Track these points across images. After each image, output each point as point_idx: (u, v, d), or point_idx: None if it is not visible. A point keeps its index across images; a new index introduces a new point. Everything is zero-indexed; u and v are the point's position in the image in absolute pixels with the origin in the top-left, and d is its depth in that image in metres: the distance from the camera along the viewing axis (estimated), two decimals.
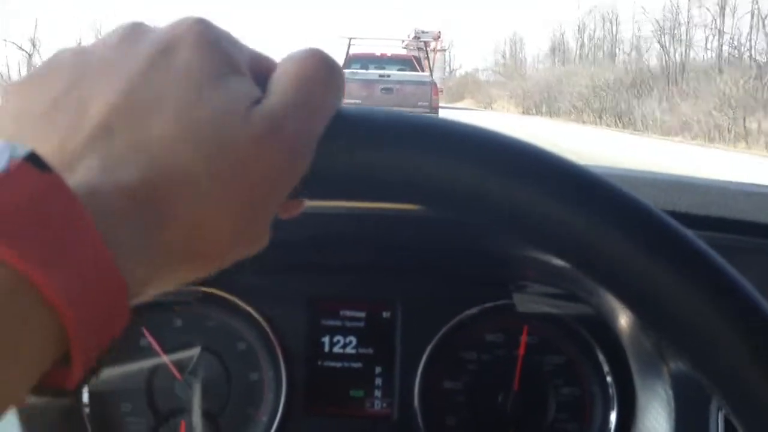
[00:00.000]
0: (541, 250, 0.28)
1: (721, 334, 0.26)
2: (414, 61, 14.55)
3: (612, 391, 0.71)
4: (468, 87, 39.92)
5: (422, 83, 11.73)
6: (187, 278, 0.25)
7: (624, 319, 0.67)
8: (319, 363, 0.72)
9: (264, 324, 0.70)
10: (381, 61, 14.06)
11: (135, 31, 0.26)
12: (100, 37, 0.26)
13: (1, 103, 0.25)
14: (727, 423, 0.60)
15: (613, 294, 0.28)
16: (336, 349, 0.72)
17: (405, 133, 0.26)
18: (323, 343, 0.72)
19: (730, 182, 0.72)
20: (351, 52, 13.81)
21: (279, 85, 0.26)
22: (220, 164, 0.23)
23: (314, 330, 0.72)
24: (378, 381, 0.72)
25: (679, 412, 0.62)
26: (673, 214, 0.27)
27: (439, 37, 17.87)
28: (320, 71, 0.26)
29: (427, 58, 14.54)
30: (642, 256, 0.26)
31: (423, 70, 13.75)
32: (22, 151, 0.20)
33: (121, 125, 0.23)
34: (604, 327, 0.70)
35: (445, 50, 22.75)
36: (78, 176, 0.21)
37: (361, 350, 0.72)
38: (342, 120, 0.26)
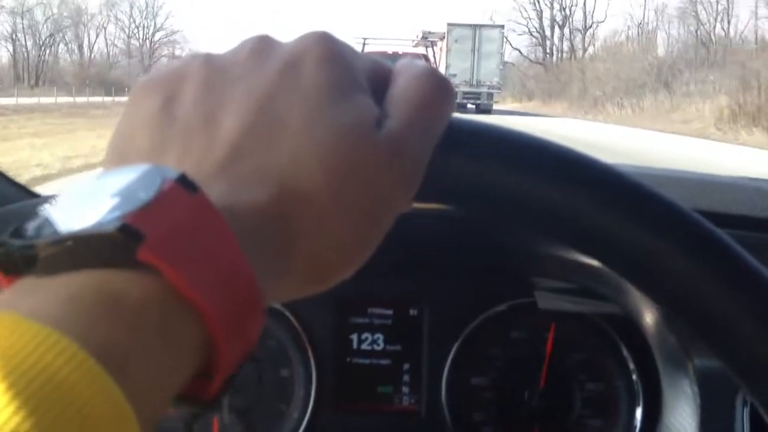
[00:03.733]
0: (584, 253, 0.29)
1: (753, 327, 0.27)
2: (423, 58, 17.59)
3: (637, 387, 0.71)
4: None
5: None
6: (310, 290, 0.26)
7: (649, 316, 0.68)
8: (348, 360, 0.73)
9: (294, 322, 0.72)
10: (393, 58, 15.07)
11: (262, 46, 0.26)
12: (229, 49, 0.27)
13: (130, 97, 0.26)
14: (753, 419, 0.60)
15: (651, 296, 0.29)
16: (364, 347, 0.73)
17: (513, 152, 0.28)
18: (352, 341, 0.73)
19: (752, 179, 0.72)
20: (366, 51, 16.54)
21: (399, 105, 0.26)
22: (344, 184, 0.24)
23: (343, 328, 0.73)
24: (405, 377, 0.73)
25: (705, 408, 0.62)
26: (702, 213, 0.28)
27: (444, 37, 21.33)
28: (437, 93, 0.27)
29: (434, 55, 16.65)
30: (681, 258, 0.27)
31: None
32: (171, 173, 0.21)
33: (250, 147, 0.23)
34: (628, 324, 0.71)
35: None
36: (214, 196, 0.22)
37: (389, 347, 0.73)
38: (454, 131, 0.27)
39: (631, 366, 0.72)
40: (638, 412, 0.71)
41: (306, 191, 0.23)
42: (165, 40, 54.16)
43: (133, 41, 54.30)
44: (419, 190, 0.27)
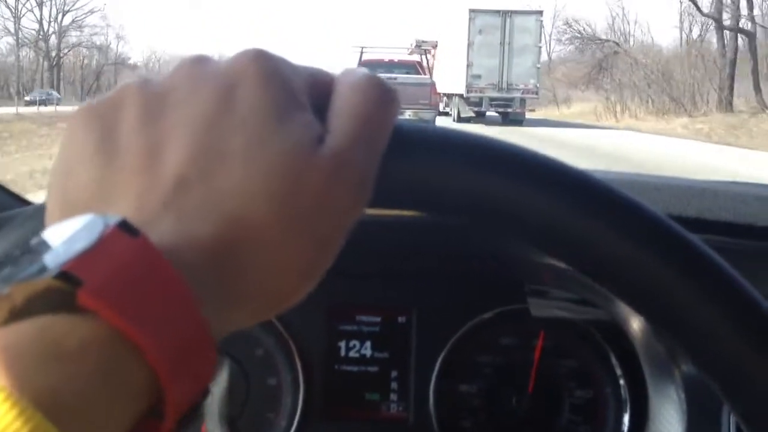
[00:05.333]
0: (554, 257, 0.29)
1: (726, 337, 0.27)
2: (417, 65, 16.71)
3: (625, 394, 0.71)
4: None
5: (423, 84, 13.51)
6: (266, 315, 0.25)
7: (637, 324, 0.68)
8: (336, 367, 0.73)
9: (282, 330, 0.72)
10: (389, 66, 16.11)
11: (198, 68, 0.26)
12: (162, 72, 0.27)
13: (67, 129, 0.26)
14: (739, 426, 0.60)
15: (624, 301, 0.29)
16: (352, 354, 0.73)
17: (457, 148, 0.27)
18: (340, 348, 0.73)
19: (740, 185, 0.72)
20: (363, 58, 15.80)
21: (341, 119, 0.25)
22: (290, 208, 0.24)
23: (331, 335, 0.73)
24: (394, 384, 0.73)
25: (692, 415, 0.62)
26: (683, 219, 0.28)
27: (436, 45, 20.35)
28: (379, 101, 0.26)
29: (427, 63, 16.94)
30: (655, 267, 0.27)
31: (424, 74, 15.75)
32: (112, 220, 0.21)
33: (193, 179, 0.23)
34: (617, 331, 0.71)
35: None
36: (158, 233, 0.22)
37: (377, 354, 0.73)
38: (399, 135, 0.27)
39: (619, 372, 0.72)
40: (626, 419, 0.71)
41: (252, 218, 0.23)
42: (77, 24, 43.25)
43: (27, 23, 43.41)
44: (372, 197, 0.26)
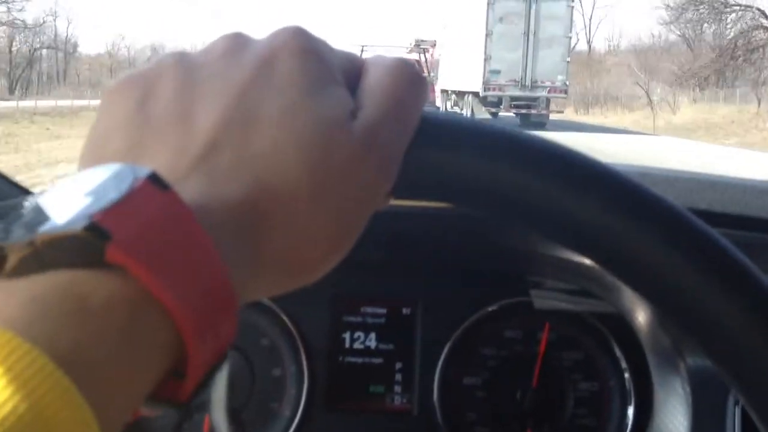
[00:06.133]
0: (565, 245, 0.29)
1: (738, 325, 0.27)
2: (416, 64, 15.74)
3: (630, 386, 0.71)
4: None
5: None
6: (288, 286, 0.25)
7: (642, 316, 0.68)
8: (340, 359, 0.73)
9: (287, 320, 0.72)
10: None
11: (237, 42, 0.26)
12: (204, 46, 0.27)
13: (103, 98, 0.26)
14: (744, 419, 0.61)
15: (638, 291, 0.29)
16: (357, 345, 0.73)
17: (487, 142, 0.27)
18: (344, 339, 0.73)
19: (749, 179, 0.72)
20: (363, 57, 15.35)
21: (373, 96, 0.26)
22: (319, 177, 0.24)
23: (336, 326, 0.73)
24: (398, 377, 0.73)
25: (696, 407, 0.62)
26: (694, 211, 0.28)
27: (435, 45, 19.59)
28: (410, 84, 0.27)
29: (426, 61, 17.18)
30: (668, 254, 0.27)
31: (423, 72, 14.98)
32: (143, 172, 0.20)
33: (225, 142, 0.23)
34: (621, 323, 0.71)
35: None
36: (188, 193, 0.22)
37: (382, 346, 0.73)
38: (427, 125, 0.27)
39: (624, 365, 0.72)
40: (630, 411, 0.71)
41: (282, 184, 0.23)
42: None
43: None
44: (398, 187, 0.27)
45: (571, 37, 17.55)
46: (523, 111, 16.59)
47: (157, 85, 0.25)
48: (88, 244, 0.19)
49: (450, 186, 0.27)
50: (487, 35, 16.44)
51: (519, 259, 0.72)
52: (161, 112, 0.24)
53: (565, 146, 0.28)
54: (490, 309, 0.73)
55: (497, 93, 16.58)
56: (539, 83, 16.37)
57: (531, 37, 16.34)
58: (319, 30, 0.28)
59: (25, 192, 0.80)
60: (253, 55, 0.25)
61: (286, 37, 0.26)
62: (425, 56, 17.56)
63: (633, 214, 0.27)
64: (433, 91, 13.70)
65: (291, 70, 0.25)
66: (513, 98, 16.42)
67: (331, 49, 0.27)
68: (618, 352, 0.72)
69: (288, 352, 0.72)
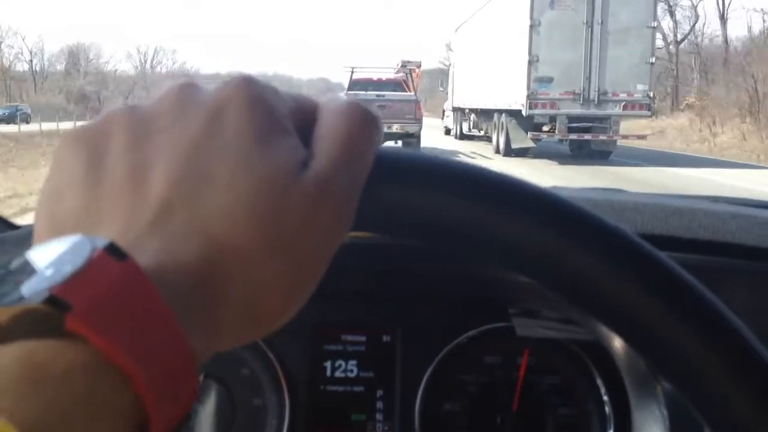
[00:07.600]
0: (523, 274, 0.29)
1: (697, 356, 0.28)
2: (403, 83, 17.16)
3: (608, 410, 0.72)
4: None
5: (409, 101, 14.47)
6: (252, 337, 0.26)
7: (618, 342, 0.69)
8: (322, 387, 0.73)
9: (267, 350, 0.72)
10: (377, 84, 16.84)
11: (185, 94, 0.26)
12: (150, 97, 0.27)
13: (56, 153, 0.26)
14: None
15: (601, 322, 0.29)
16: (338, 374, 0.73)
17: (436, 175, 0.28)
18: (325, 368, 0.73)
19: (716, 203, 0.74)
20: (354, 78, 16.69)
21: (325, 144, 0.26)
22: (273, 230, 0.24)
23: (316, 355, 0.73)
24: (379, 404, 0.73)
25: (674, 430, 0.63)
26: (661, 238, 0.29)
27: (420, 65, 19.73)
28: (363, 127, 0.27)
29: (412, 81, 17.28)
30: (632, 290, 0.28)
31: (409, 91, 16.39)
32: (100, 242, 0.21)
33: (178, 202, 0.23)
34: (600, 349, 0.71)
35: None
36: (144, 257, 0.22)
37: (363, 374, 0.74)
38: (381, 162, 0.27)
39: (602, 389, 0.72)
40: None
41: (236, 241, 0.23)
42: None
43: None
44: (355, 220, 0.27)
45: (655, 27, 12.01)
46: (586, 137, 11.70)
47: (108, 141, 0.25)
48: (49, 315, 0.19)
49: (400, 220, 0.28)
50: (531, 27, 11.61)
51: (498, 286, 0.72)
52: (113, 170, 0.25)
53: (522, 180, 0.29)
54: (469, 335, 0.73)
55: (548, 111, 11.86)
56: (610, 95, 11.50)
57: (596, 28, 11.32)
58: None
59: (12, 226, 0.80)
60: (201, 108, 0.25)
61: (234, 88, 0.26)
62: (411, 77, 17.86)
63: (563, 231, 0.28)
64: (420, 108, 13.73)
65: (238, 123, 0.25)
66: (571, 118, 11.48)
67: (280, 96, 0.27)
68: (596, 377, 0.73)
69: (269, 381, 0.72)
